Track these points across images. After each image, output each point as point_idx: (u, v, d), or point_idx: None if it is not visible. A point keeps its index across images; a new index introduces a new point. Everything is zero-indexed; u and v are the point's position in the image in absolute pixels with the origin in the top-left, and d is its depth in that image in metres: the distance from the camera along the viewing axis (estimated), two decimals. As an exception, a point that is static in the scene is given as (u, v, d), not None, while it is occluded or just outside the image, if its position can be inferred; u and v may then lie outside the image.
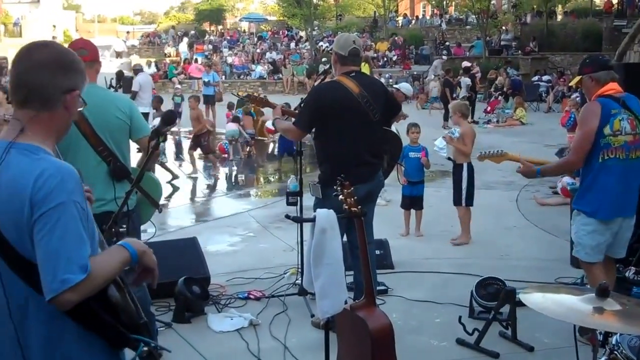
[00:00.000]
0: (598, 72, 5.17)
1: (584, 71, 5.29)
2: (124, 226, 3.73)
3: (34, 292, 2.24)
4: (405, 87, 14.10)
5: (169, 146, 15.17)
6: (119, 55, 41.38)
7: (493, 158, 5.66)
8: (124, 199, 3.68)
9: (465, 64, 26.60)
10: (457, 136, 8.36)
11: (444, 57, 32.45)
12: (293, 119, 5.81)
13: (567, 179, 10.44)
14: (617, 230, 5.17)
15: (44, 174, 2.22)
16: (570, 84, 7.28)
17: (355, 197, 4.16)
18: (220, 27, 55.05)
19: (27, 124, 2.33)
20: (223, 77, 35.52)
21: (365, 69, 29.37)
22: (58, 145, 4.38)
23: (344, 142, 5.35)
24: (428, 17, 48.64)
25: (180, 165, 14.55)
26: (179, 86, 25.50)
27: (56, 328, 2.30)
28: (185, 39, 44.22)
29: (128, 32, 51.66)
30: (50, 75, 2.36)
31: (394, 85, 14.85)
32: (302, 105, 6.06)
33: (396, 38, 38.51)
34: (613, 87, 5.13)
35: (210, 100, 22.93)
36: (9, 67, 33.16)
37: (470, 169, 8.36)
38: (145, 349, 2.39)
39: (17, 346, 2.29)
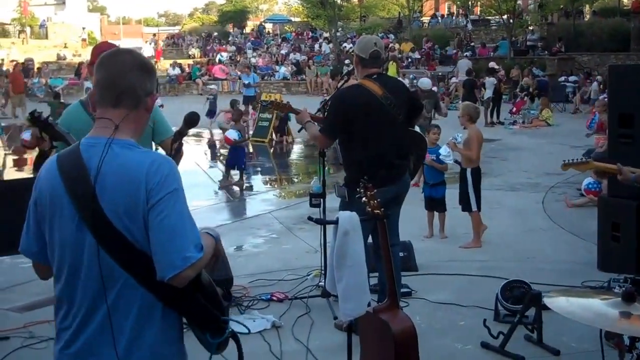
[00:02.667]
0: None
1: None
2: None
3: (130, 279, 2.36)
4: (424, 82, 14.07)
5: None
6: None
7: (578, 166, 5.47)
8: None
9: (492, 64, 26.51)
10: (460, 142, 8.29)
11: (467, 56, 32.28)
12: (318, 125, 5.78)
13: (588, 179, 10.38)
14: None
15: (155, 162, 2.39)
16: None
17: (378, 200, 4.13)
18: (244, 29, 55.24)
19: (121, 123, 2.47)
20: (239, 78, 35.69)
21: (392, 68, 29.69)
22: None
23: (369, 145, 5.33)
24: (454, 17, 48.44)
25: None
26: (213, 86, 26.24)
27: (143, 317, 2.39)
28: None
29: (154, 35, 51.97)
30: (138, 78, 2.52)
31: (416, 83, 14.80)
32: (324, 106, 6.03)
33: (425, 42, 38.40)
34: None
35: (251, 101, 23.53)
36: (35, 68, 33.41)
37: (475, 174, 8.27)
38: (231, 330, 2.54)
39: (109, 332, 2.37)
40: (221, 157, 17.95)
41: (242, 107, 20.03)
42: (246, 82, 25.68)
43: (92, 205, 2.34)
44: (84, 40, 46.40)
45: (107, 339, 2.36)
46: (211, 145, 19.93)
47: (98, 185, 2.35)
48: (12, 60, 35.70)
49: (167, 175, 2.37)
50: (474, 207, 8.28)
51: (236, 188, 13.02)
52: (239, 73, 36.25)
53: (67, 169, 2.43)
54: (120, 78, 2.49)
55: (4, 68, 33.75)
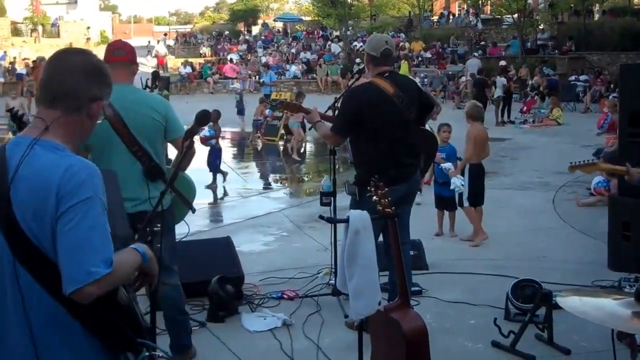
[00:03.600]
0: None
1: None
2: (158, 225, 3.74)
3: (42, 290, 2.25)
4: None
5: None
6: (157, 56, 41.72)
7: (584, 168, 5.47)
8: (158, 199, 3.70)
9: (502, 63, 26.44)
10: (452, 169, 8.42)
11: (475, 56, 32.20)
12: (328, 123, 5.79)
13: (598, 178, 10.37)
14: None
15: (72, 168, 2.26)
16: None
17: (389, 198, 4.14)
18: (254, 27, 55.31)
19: (52, 124, 2.36)
20: (257, 76, 35.76)
21: (404, 66, 29.73)
22: (96, 143, 4.45)
23: (380, 143, 5.34)
24: (463, 16, 48.31)
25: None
26: (236, 85, 26.69)
27: (63, 325, 2.29)
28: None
29: (166, 34, 52.06)
30: (82, 81, 2.41)
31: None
32: (336, 105, 6.05)
33: (437, 44, 38.36)
34: None
35: (266, 99, 23.46)
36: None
37: (473, 170, 8.28)
38: (147, 354, 2.40)
39: (29, 341, 2.27)
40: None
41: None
42: (262, 80, 26.23)
43: (5, 208, 2.24)
44: (88, 39, 46.46)
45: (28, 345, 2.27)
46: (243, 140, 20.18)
47: (13, 186, 2.25)
48: (24, 59, 35.89)
49: (82, 183, 2.24)
50: (465, 203, 8.32)
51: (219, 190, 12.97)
52: (249, 72, 36.37)
53: None
54: (60, 79, 2.39)
55: (17, 67, 33.97)
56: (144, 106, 4.57)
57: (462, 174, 8.32)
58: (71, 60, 2.42)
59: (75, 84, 2.39)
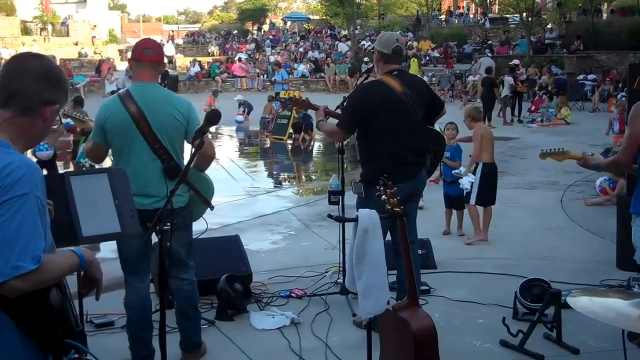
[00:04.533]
0: None
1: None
2: (168, 224, 3.75)
3: None
4: None
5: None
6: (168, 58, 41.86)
7: (554, 156, 5.51)
8: (168, 198, 3.71)
9: (515, 62, 26.38)
10: (461, 172, 8.45)
11: (488, 55, 32.11)
12: (336, 121, 5.79)
13: (602, 177, 10.35)
14: None
15: (11, 164, 2.29)
16: (636, 86, 7.06)
17: (398, 197, 4.14)
18: (264, 26, 55.36)
19: (2, 123, 2.40)
20: (265, 75, 35.82)
21: (414, 64, 29.83)
22: (117, 139, 4.52)
23: (387, 141, 5.34)
24: (471, 15, 48.27)
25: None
26: (239, 97, 27.01)
27: None
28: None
29: (170, 33, 52.13)
30: (34, 84, 2.45)
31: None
32: (344, 105, 6.05)
33: (450, 44, 38.35)
34: None
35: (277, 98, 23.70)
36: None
37: (486, 169, 8.28)
38: (76, 356, 2.41)
39: None
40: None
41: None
42: (273, 78, 26.65)
43: None
44: (93, 38, 46.54)
45: None
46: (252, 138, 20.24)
47: None
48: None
49: (19, 179, 2.27)
50: (472, 201, 8.31)
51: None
52: (257, 70, 36.42)
53: None
54: (14, 81, 2.44)
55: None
56: (167, 106, 4.61)
57: (474, 173, 8.30)
58: (26, 64, 2.48)
59: (27, 86, 2.43)
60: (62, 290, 2.48)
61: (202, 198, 4.85)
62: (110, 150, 4.76)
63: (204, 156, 4.71)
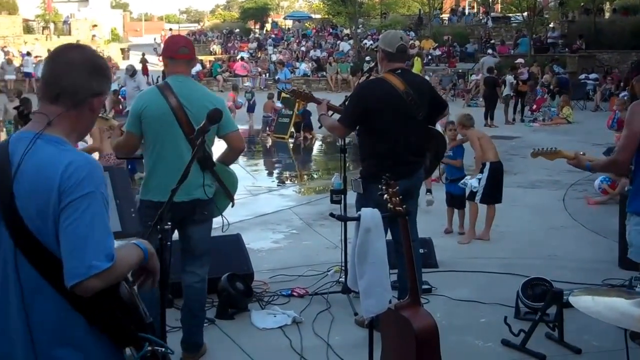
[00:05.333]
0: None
1: (632, 76, 5.31)
2: (169, 224, 3.76)
3: (46, 283, 2.28)
4: None
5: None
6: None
7: (546, 155, 5.57)
8: (170, 195, 3.70)
9: (520, 61, 26.36)
10: (467, 184, 8.43)
11: (495, 56, 32.09)
12: (338, 116, 5.79)
13: (600, 177, 10.35)
14: None
15: (73, 163, 2.28)
16: (629, 90, 7.16)
17: (400, 197, 4.12)
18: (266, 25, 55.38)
19: (55, 119, 2.39)
20: (267, 74, 35.83)
21: (417, 63, 29.98)
22: (153, 129, 4.66)
23: (386, 139, 5.34)
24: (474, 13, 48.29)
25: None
26: (248, 84, 27.15)
27: (66, 318, 2.32)
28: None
29: (165, 32, 52.06)
30: (84, 77, 2.44)
31: None
32: (346, 102, 6.05)
33: (446, 37, 38.38)
34: None
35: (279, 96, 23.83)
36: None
37: (493, 167, 8.29)
38: (150, 349, 2.40)
39: (27, 335, 2.30)
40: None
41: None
42: (277, 77, 26.87)
43: (9, 203, 2.27)
44: (93, 36, 46.49)
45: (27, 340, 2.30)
46: (253, 137, 20.29)
47: (16, 182, 2.29)
48: (36, 56, 36.01)
49: (84, 178, 2.26)
50: (477, 199, 8.32)
51: None
52: (259, 69, 36.43)
53: None
54: (63, 76, 2.42)
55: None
56: (203, 99, 4.75)
57: (481, 172, 8.30)
58: (73, 57, 2.45)
59: (75, 80, 2.42)
60: (128, 284, 2.49)
61: (226, 191, 4.99)
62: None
63: (233, 149, 4.96)
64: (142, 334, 2.42)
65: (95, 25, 49.25)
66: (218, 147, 4.98)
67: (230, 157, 5.05)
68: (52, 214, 2.25)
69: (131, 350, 2.39)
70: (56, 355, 2.32)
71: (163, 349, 2.47)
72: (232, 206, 5.12)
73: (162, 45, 37.03)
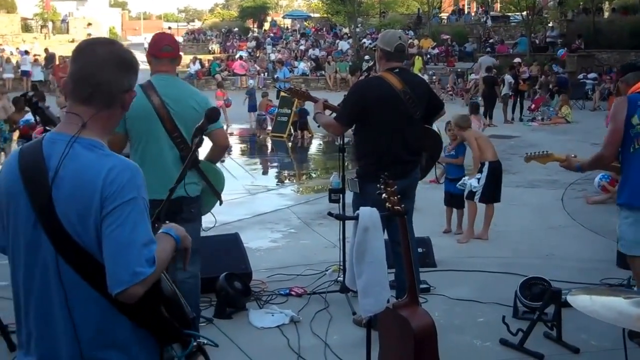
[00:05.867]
0: (626, 75, 5.50)
1: (617, 78, 5.52)
2: (167, 221, 3.75)
3: (88, 286, 2.26)
4: None
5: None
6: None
7: (539, 158, 5.75)
8: (168, 195, 3.69)
9: (517, 60, 26.36)
10: (466, 184, 8.44)
11: (492, 55, 32.16)
12: (335, 114, 5.79)
13: (600, 174, 10.36)
14: None
15: (114, 169, 2.25)
16: (614, 96, 7.42)
17: (399, 196, 4.12)
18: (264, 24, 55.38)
19: (89, 120, 2.33)
20: (265, 73, 35.82)
21: (418, 62, 30.16)
22: (136, 128, 4.64)
23: (382, 138, 5.34)
24: (473, 14, 48.33)
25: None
26: (251, 82, 27.24)
27: (110, 320, 2.30)
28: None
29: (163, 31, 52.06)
30: (115, 74, 2.38)
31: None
32: (343, 98, 6.05)
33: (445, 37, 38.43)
34: None
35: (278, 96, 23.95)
36: (56, 60, 33.72)
37: (492, 166, 8.30)
38: (195, 343, 2.41)
39: (74, 339, 2.28)
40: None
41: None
42: (275, 76, 27.11)
43: (48, 208, 2.24)
44: (89, 35, 46.51)
45: (68, 344, 2.29)
46: (252, 136, 20.27)
47: (55, 187, 2.25)
48: (34, 55, 35.97)
49: (126, 184, 2.24)
50: (477, 198, 8.33)
51: None
52: (257, 68, 36.42)
53: (27, 166, 2.31)
54: (95, 73, 2.34)
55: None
56: (187, 97, 4.79)
57: (480, 172, 8.31)
58: (102, 53, 2.37)
59: (110, 77, 2.36)
60: (168, 279, 2.47)
61: (213, 189, 5.00)
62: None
63: (218, 146, 4.98)
64: (188, 331, 2.42)
65: (90, 24, 49.12)
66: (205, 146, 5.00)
67: (216, 154, 5.09)
68: (93, 220, 2.23)
69: (177, 347, 2.41)
70: (102, 357, 2.31)
71: (206, 342, 2.49)
72: (220, 204, 5.12)
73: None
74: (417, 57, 31.74)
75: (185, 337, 2.41)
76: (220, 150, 5.08)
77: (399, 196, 4.11)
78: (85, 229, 2.24)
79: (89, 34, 46.41)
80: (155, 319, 2.35)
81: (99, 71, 2.34)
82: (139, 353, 2.36)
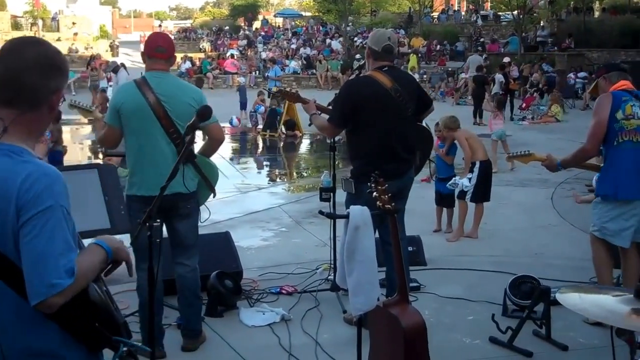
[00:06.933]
0: (610, 73, 5.67)
1: (598, 75, 5.87)
2: (158, 221, 3.76)
3: (14, 293, 2.21)
4: None
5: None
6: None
7: (520, 158, 5.97)
8: (159, 193, 3.71)
9: (506, 59, 26.42)
10: (458, 181, 8.46)
11: (482, 54, 32.25)
12: (327, 116, 5.80)
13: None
14: None
15: (30, 176, 2.18)
16: (589, 92, 7.69)
17: (390, 194, 4.13)
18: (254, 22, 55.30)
19: (10, 124, 2.26)
20: (257, 72, 35.80)
21: (413, 59, 30.48)
22: (132, 124, 4.73)
23: (376, 137, 5.35)
24: (463, 13, 48.42)
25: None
26: (242, 79, 27.45)
27: (38, 327, 2.26)
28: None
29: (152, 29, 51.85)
30: (43, 75, 2.30)
31: None
32: (334, 100, 6.06)
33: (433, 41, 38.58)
34: (625, 84, 5.53)
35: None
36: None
37: (483, 166, 8.36)
38: (125, 349, 2.37)
39: None
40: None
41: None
42: (266, 74, 27.10)
43: None
44: (75, 34, 46.24)
45: None
46: (242, 135, 20.29)
47: None
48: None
49: (42, 191, 2.16)
50: (467, 198, 8.39)
51: None
52: (249, 67, 36.41)
53: None
54: (19, 75, 2.26)
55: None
56: (182, 94, 4.87)
57: (471, 171, 8.35)
58: (28, 54, 2.29)
59: (34, 81, 2.28)
60: (99, 284, 2.43)
61: (207, 183, 5.09)
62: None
63: (213, 139, 5.10)
64: (116, 337, 2.37)
65: (74, 23, 48.77)
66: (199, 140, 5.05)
67: (211, 148, 5.18)
68: (11, 229, 2.17)
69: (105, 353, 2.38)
70: None
71: (138, 348, 2.46)
72: (214, 196, 5.27)
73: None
74: (412, 54, 32.11)
75: (114, 343, 2.36)
76: (216, 144, 5.16)
77: (390, 194, 4.13)
78: (4, 238, 2.19)
79: (75, 33, 46.23)
80: (82, 325, 2.30)
81: (24, 73, 2.26)
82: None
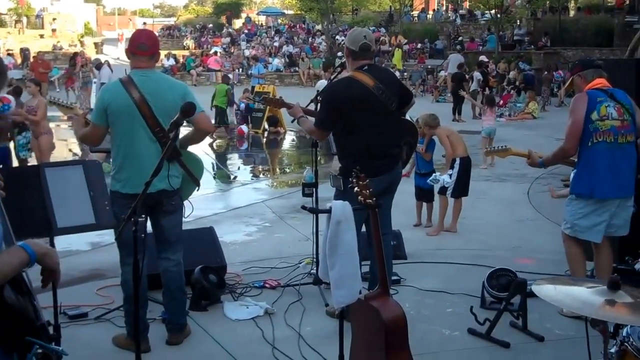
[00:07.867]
0: (585, 70, 5.69)
1: (573, 72, 5.86)
2: (143, 216, 3.84)
3: None
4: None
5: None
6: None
7: (498, 153, 6.11)
8: (144, 189, 3.79)
9: (483, 58, 26.58)
10: (440, 178, 8.57)
11: (458, 50, 32.47)
12: (312, 118, 5.86)
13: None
14: (615, 210, 5.54)
15: None
16: (565, 88, 7.71)
17: (371, 190, 4.19)
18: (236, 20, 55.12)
19: None
20: (240, 69, 35.75)
21: (398, 54, 30.91)
22: (118, 123, 4.77)
23: (364, 135, 5.37)
24: (444, 11, 48.62)
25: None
26: (231, 76, 27.56)
27: None
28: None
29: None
30: None
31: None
32: (318, 98, 6.13)
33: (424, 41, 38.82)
34: (600, 82, 5.59)
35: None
36: (30, 57, 33.32)
37: (463, 163, 8.51)
38: (40, 351, 2.37)
39: None
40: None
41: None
42: (250, 72, 27.41)
43: None
44: (54, 30, 45.88)
45: None
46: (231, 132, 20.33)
47: None
48: (7, 50, 35.55)
49: None
50: (448, 193, 8.54)
51: None
52: (233, 65, 36.37)
53: None
54: None
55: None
56: (167, 90, 4.91)
57: (452, 167, 8.47)
58: None
59: None
60: (19, 286, 2.41)
61: (193, 178, 5.16)
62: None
63: (201, 129, 5.13)
64: (30, 338, 2.35)
65: (54, 19, 48.42)
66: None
67: (196, 137, 5.21)
68: None
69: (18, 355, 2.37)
70: None
71: (52, 350, 2.45)
72: (198, 189, 5.34)
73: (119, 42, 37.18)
74: (396, 49, 32.48)
75: (26, 344, 2.35)
76: (203, 133, 5.22)
77: (371, 190, 4.20)
78: None
79: (54, 30, 45.87)
80: None
81: None
82: None
